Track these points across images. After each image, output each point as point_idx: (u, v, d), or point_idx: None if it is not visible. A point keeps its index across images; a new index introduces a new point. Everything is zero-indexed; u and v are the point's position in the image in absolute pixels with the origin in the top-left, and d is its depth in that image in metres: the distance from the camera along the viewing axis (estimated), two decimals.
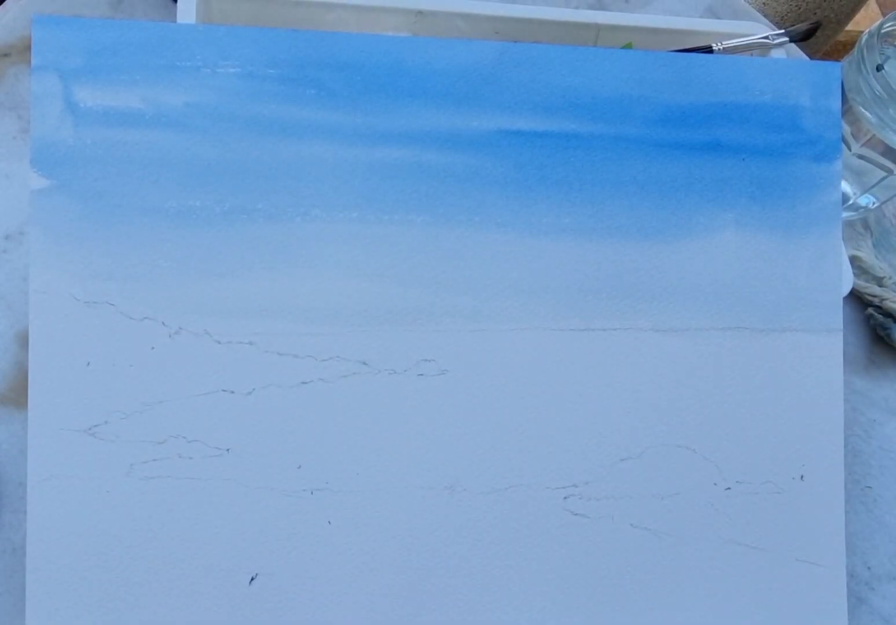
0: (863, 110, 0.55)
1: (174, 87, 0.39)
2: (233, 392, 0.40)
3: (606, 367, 0.43)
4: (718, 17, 0.68)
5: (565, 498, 0.42)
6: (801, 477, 0.45)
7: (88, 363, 0.39)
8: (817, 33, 0.58)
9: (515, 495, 0.42)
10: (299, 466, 0.40)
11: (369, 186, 0.41)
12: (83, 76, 0.39)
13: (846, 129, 0.57)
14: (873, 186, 0.60)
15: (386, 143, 0.41)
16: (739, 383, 0.44)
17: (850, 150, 0.58)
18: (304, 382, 0.40)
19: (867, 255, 0.62)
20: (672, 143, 0.44)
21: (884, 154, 0.57)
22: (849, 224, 0.64)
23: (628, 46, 0.54)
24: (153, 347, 0.39)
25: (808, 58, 0.67)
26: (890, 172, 0.58)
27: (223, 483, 0.40)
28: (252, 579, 0.40)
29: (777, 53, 0.55)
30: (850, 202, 0.62)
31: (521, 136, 0.43)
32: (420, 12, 0.51)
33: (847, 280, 0.48)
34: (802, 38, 0.57)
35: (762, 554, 0.44)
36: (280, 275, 0.40)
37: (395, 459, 0.41)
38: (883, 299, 0.60)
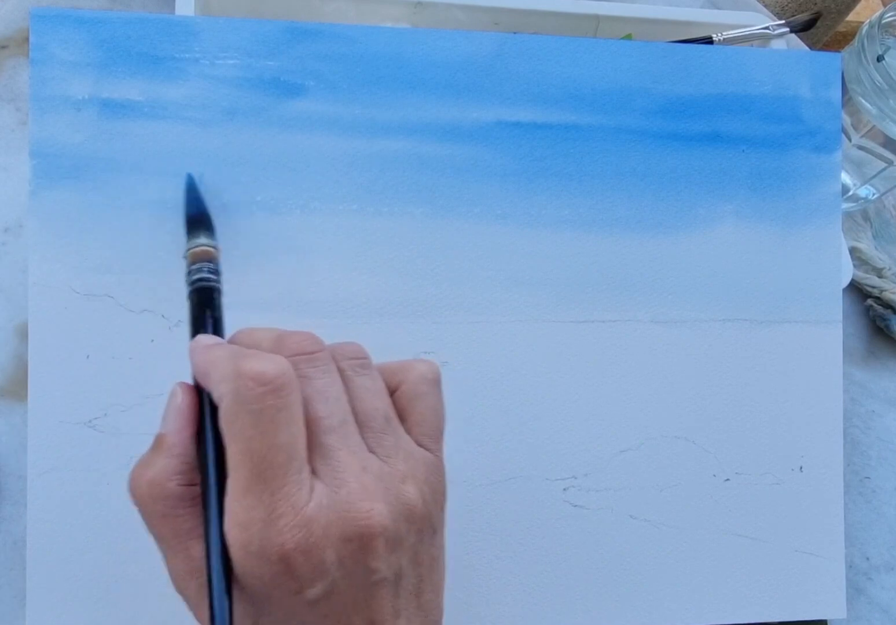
0: (863, 101, 0.55)
1: (172, 79, 0.39)
2: None
3: (606, 358, 0.43)
4: (719, 8, 0.68)
5: (565, 490, 0.42)
6: (801, 468, 0.45)
7: (88, 356, 0.39)
8: (818, 24, 0.58)
9: (515, 487, 0.42)
10: None
11: (369, 178, 0.41)
12: (81, 68, 0.39)
13: (846, 119, 0.57)
14: (873, 177, 0.60)
15: (385, 135, 0.41)
16: (739, 375, 0.44)
17: (850, 140, 0.58)
18: None
19: (867, 246, 0.62)
20: (672, 134, 0.44)
21: (884, 145, 0.57)
22: (848, 215, 0.64)
23: (628, 37, 0.54)
24: (153, 340, 0.39)
25: (808, 48, 0.66)
26: (890, 162, 0.58)
27: None
28: None
29: (777, 44, 0.55)
30: (850, 193, 0.61)
31: (520, 128, 0.42)
32: (419, 3, 0.51)
33: (846, 271, 0.48)
34: (803, 29, 0.57)
35: (761, 545, 0.44)
36: (279, 267, 0.40)
37: None
38: (882, 291, 0.60)
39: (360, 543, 0.26)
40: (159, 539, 0.28)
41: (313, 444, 0.27)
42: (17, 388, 0.48)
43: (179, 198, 0.39)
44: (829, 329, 0.45)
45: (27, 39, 0.38)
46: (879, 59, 0.53)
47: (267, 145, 0.40)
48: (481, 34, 0.42)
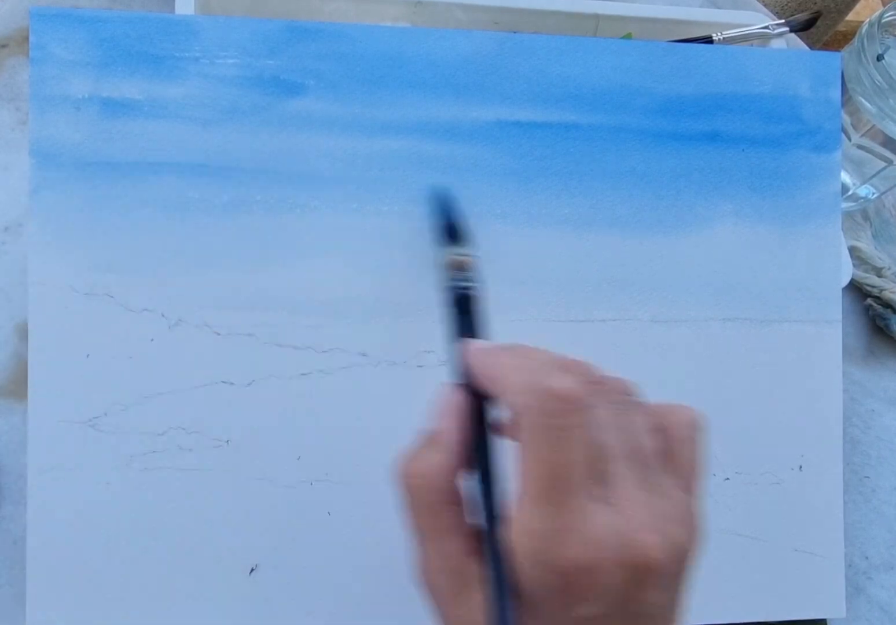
0: (863, 100, 0.55)
1: (172, 78, 0.39)
2: (232, 383, 0.40)
3: (606, 358, 0.43)
4: (718, 8, 0.68)
5: None
6: (800, 467, 0.45)
7: (88, 355, 0.39)
8: (817, 23, 0.58)
9: None
10: (299, 458, 0.40)
11: (368, 178, 0.41)
12: (81, 68, 0.39)
13: (846, 119, 0.57)
14: (873, 177, 0.60)
15: (385, 134, 0.41)
16: (738, 374, 0.44)
17: (849, 140, 0.58)
18: (303, 374, 0.40)
19: (866, 245, 0.62)
20: (671, 133, 0.44)
21: (883, 144, 0.57)
22: (848, 215, 0.64)
23: (628, 37, 0.54)
24: (152, 339, 0.39)
25: (808, 48, 0.66)
26: (889, 162, 0.58)
27: (223, 474, 0.40)
28: (252, 569, 0.40)
29: (777, 43, 0.55)
30: (850, 193, 0.62)
31: (520, 127, 0.42)
32: (419, 3, 0.51)
33: (846, 271, 0.48)
34: (802, 28, 0.57)
35: (761, 544, 0.44)
36: (279, 266, 0.40)
37: (395, 451, 0.41)
38: (882, 290, 0.60)
39: (635, 572, 0.26)
40: (417, 530, 0.29)
41: (597, 469, 0.27)
42: (17, 387, 0.48)
43: (179, 197, 0.39)
44: (829, 329, 0.45)
45: (27, 39, 0.38)
46: (879, 58, 0.53)
47: (266, 145, 0.40)
48: (481, 34, 0.42)
